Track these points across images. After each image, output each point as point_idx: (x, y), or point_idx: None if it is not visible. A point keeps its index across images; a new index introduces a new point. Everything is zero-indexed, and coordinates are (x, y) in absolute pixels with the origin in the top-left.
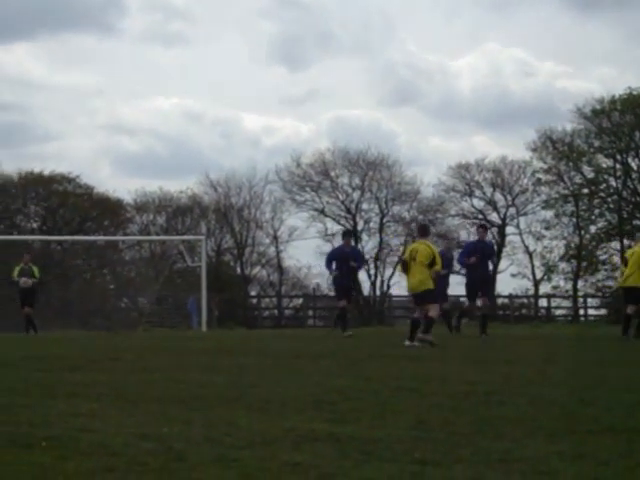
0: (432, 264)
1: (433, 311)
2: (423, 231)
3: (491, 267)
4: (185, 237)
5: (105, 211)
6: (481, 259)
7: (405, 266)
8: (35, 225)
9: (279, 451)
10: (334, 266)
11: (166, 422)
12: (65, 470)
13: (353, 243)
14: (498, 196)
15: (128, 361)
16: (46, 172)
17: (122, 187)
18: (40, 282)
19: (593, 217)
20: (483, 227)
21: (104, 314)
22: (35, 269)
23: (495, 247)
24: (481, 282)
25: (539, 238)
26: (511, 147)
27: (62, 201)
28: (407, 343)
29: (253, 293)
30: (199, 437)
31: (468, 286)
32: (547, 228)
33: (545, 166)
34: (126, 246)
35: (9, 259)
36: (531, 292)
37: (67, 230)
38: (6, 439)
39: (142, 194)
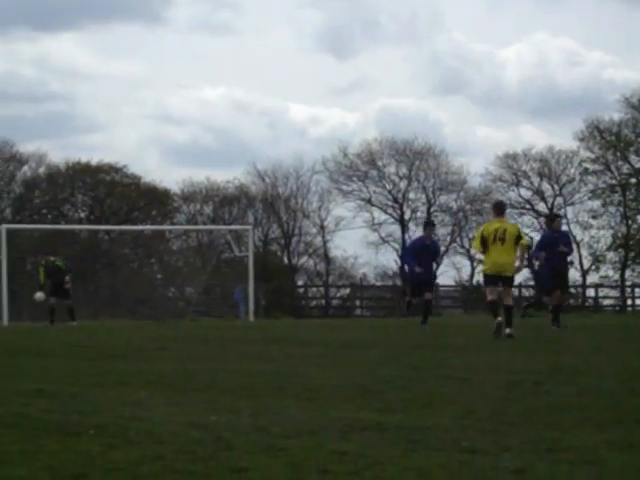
0: (517, 241)
1: (511, 299)
2: (502, 209)
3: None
4: (232, 227)
5: (152, 201)
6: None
7: (485, 245)
8: (83, 215)
9: (326, 440)
10: (413, 260)
11: (214, 411)
12: (113, 458)
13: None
14: (545, 186)
15: (176, 350)
16: (93, 162)
17: (169, 177)
18: (68, 271)
19: None
20: (557, 216)
21: (151, 303)
22: (59, 263)
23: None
24: (563, 274)
25: (586, 228)
26: (558, 137)
27: (109, 191)
28: (508, 331)
29: (300, 283)
30: (247, 426)
31: (550, 277)
32: (594, 217)
33: (592, 156)
34: (173, 236)
35: (57, 248)
36: (579, 282)
37: (114, 220)
38: (55, 427)
39: (189, 184)
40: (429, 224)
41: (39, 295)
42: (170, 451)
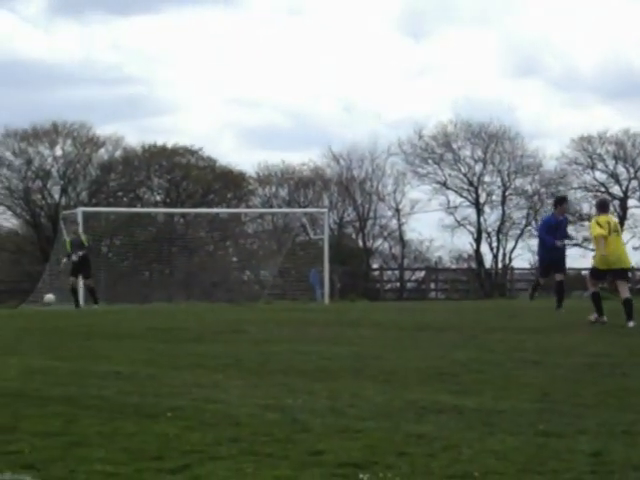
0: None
1: (628, 291)
2: (606, 207)
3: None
4: (308, 209)
5: (228, 184)
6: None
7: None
8: (158, 197)
9: (403, 422)
10: (549, 236)
11: (290, 393)
12: (190, 440)
13: None
14: (620, 169)
15: (252, 333)
16: (169, 145)
17: (245, 160)
18: (90, 250)
19: None
20: (565, 200)
21: (227, 286)
22: (84, 238)
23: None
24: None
25: None
26: (635, 119)
27: (185, 174)
28: (593, 318)
29: (375, 266)
30: (323, 408)
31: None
32: None
33: None
34: (249, 219)
35: (134, 231)
36: None
37: (190, 202)
38: (132, 410)
39: (265, 167)
40: (563, 200)
41: (49, 297)
42: (247, 433)
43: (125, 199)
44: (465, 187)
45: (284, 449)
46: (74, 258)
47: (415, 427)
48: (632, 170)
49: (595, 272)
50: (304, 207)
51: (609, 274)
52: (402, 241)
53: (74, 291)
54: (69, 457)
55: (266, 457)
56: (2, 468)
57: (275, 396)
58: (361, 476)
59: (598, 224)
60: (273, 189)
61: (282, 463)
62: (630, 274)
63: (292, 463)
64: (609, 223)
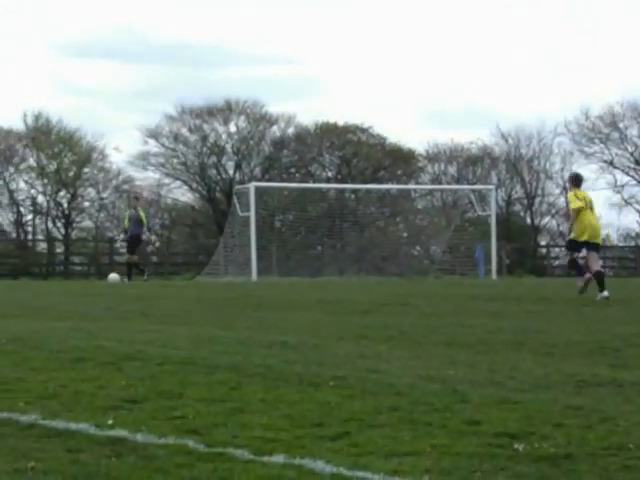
0: None
1: (599, 264)
2: (580, 181)
3: None
4: (475, 187)
5: (398, 161)
6: None
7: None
8: (330, 174)
9: (561, 395)
10: None
11: (451, 365)
12: (350, 408)
13: None
14: None
15: (418, 306)
16: (340, 122)
17: (414, 138)
18: (148, 228)
19: None
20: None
21: (396, 261)
22: (142, 214)
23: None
24: None
25: None
26: None
27: (356, 151)
28: (604, 294)
29: (543, 242)
30: (483, 380)
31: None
32: None
33: None
34: (418, 195)
35: (306, 206)
36: None
37: (361, 179)
38: (296, 378)
39: (434, 144)
40: None
41: (112, 276)
42: (407, 402)
43: (297, 175)
44: (632, 166)
45: (442, 418)
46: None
47: (573, 399)
48: None
49: (573, 244)
50: (472, 184)
51: (584, 246)
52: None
53: (129, 266)
54: (231, 423)
55: (424, 426)
56: (166, 432)
57: (436, 367)
58: (516, 446)
59: (577, 197)
60: (442, 166)
61: (440, 432)
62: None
63: (449, 432)
64: (585, 198)
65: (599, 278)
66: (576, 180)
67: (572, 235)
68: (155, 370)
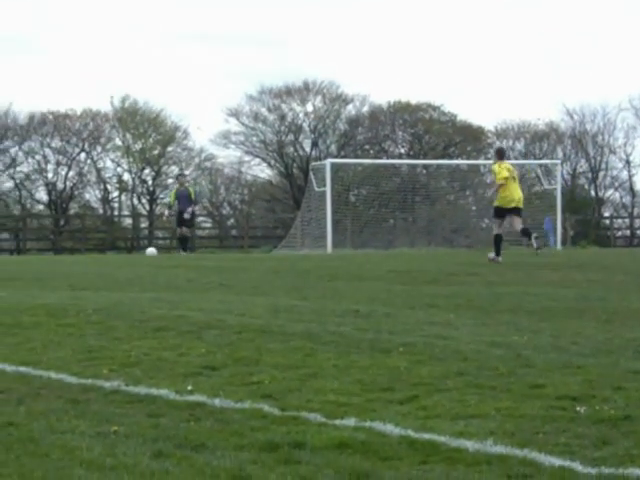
0: None
1: (521, 223)
2: (503, 154)
3: None
4: (542, 161)
5: (467, 137)
6: None
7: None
8: (402, 150)
9: (622, 359)
10: None
11: (517, 331)
12: (419, 373)
13: None
14: None
15: (485, 275)
16: (413, 101)
17: (483, 115)
18: (195, 202)
19: None
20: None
21: (466, 233)
22: (191, 190)
23: None
24: None
25: None
26: None
27: (427, 128)
28: (493, 256)
29: (606, 214)
30: (546, 345)
31: None
32: None
33: None
34: (487, 170)
35: (379, 181)
36: None
37: (432, 155)
38: (367, 345)
39: (502, 121)
40: None
41: (150, 250)
42: (473, 367)
43: (371, 152)
44: None
45: (507, 383)
46: (187, 214)
47: (633, 364)
48: None
49: (499, 211)
50: (539, 159)
51: (508, 212)
52: (632, 191)
53: (182, 239)
54: (305, 388)
55: (489, 390)
56: (243, 397)
57: (502, 334)
58: (578, 408)
59: (503, 169)
60: (510, 142)
61: (504, 395)
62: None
63: (513, 395)
64: (509, 170)
65: (526, 233)
66: (500, 153)
67: (497, 203)
68: (233, 338)
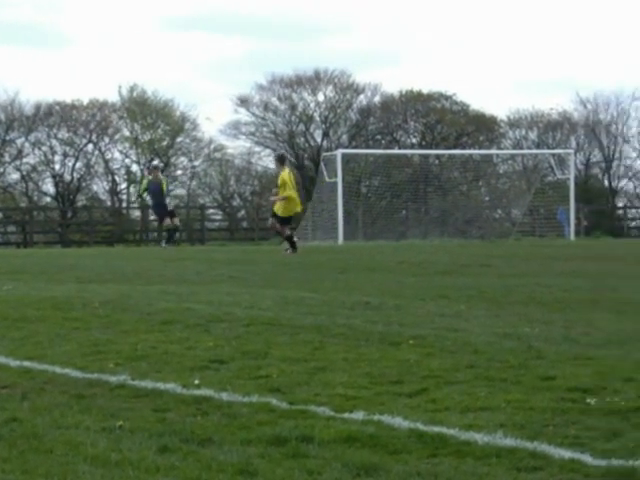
0: None
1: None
2: (285, 160)
3: None
4: (555, 151)
5: (480, 127)
6: None
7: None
8: (414, 140)
9: (634, 350)
10: None
11: (528, 323)
12: (429, 366)
13: None
14: None
15: (497, 267)
16: (425, 91)
17: (496, 104)
18: (167, 194)
19: None
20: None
21: (478, 224)
22: (164, 183)
23: None
24: None
25: None
26: None
27: (440, 117)
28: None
29: (620, 204)
30: (558, 336)
31: None
32: None
33: None
34: (500, 160)
35: (391, 172)
36: None
37: (444, 145)
38: (377, 337)
39: (515, 111)
40: None
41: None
42: (483, 359)
43: (383, 142)
44: None
45: (517, 375)
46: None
47: None
48: None
49: (285, 220)
50: (552, 149)
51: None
52: None
53: (166, 232)
54: (313, 381)
55: (500, 382)
56: (251, 391)
57: (513, 325)
58: (588, 400)
59: (287, 179)
60: (523, 132)
61: (514, 388)
62: None
63: (524, 388)
64: (291, 179)
65: (291, 240)
66: (281, 159)
67: (281, 212)
68: (241, 331)
